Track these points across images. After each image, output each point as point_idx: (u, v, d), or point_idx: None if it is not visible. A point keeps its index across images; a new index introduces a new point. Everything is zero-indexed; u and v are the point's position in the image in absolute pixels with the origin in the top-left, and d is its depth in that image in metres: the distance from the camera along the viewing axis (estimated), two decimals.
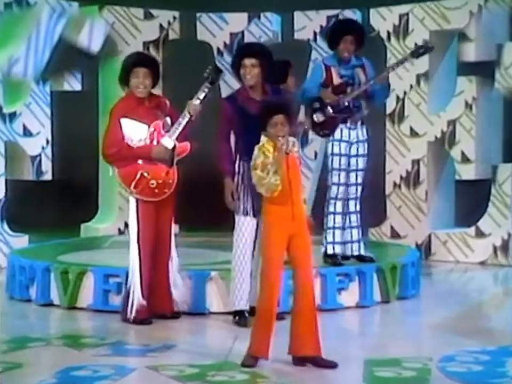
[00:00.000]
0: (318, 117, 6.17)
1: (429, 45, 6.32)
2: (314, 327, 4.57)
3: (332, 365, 4.57)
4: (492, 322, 5.85)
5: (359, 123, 6.22)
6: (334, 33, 6.24)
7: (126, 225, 8.17)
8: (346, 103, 6.13)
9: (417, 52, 6.17)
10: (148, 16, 8.20)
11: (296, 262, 4.60)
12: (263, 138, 4.57)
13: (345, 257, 6.34)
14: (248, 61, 5.45)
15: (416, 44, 6.39)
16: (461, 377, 4.44)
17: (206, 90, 5.49)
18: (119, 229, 8.28)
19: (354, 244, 6.33)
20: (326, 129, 6.20)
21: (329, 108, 6.14)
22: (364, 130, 6.27)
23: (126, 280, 5.62)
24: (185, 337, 5.35)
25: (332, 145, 6.18)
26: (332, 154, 6.19)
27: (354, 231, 6.33)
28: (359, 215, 6.33)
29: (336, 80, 6.17)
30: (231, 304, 5.63)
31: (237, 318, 5.60)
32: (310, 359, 4.60)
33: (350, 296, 6.06)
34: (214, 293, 5.85)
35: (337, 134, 6.18)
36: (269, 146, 4.52)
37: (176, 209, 5.69)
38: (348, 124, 6.19)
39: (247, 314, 5.57)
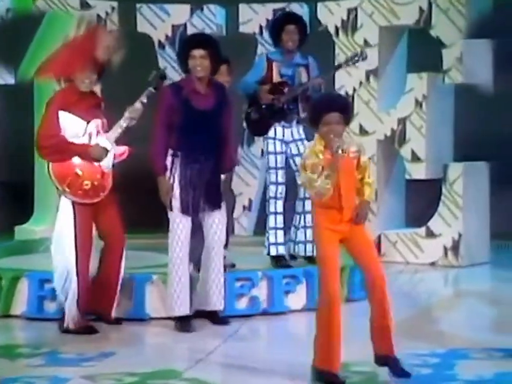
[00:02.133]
0: (253, 115, 6.08)
1: (364, 54, 6.27)
2: (390, 328, 4.35)
3: (406, 373, 4.34)
4: (442, 324, 5.83)
5: (294, 122, 6.18)
6: (275, 26, 6.21)
7: None
8: (280, 105, 6.08)
9: (353, 59, 6.17)
10: (85, 6, 8.02)
11: (359, 263, 4.38)
12: (316, 137, 4.32)
13: (292, 256, 6.19)
14: (197, 52, 5.33)
15: (358, 51, 6.38)
16: (409, 381, 4.37)
17: (149, 95, 5.39)
18: None
19: (308, 244, 6.22)
20: (260, 128, 6.13)
21: (263, 107, 6.10)
22: (300, 129, 6.21)
23: (63, 285, 5.41)
24: (124, 344, 5.21)
25: (267, 143, 6.16)
26: (268, 152, 6.16)
27: (309, 231, 6.22)
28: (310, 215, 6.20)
29: (276, 78, 6.13)
30: (169, 309, 5.48)
31: (178, 323, 5.44)
32: (384, 358, 4.39)
33: (297, 298, 5.96)
34: (155, 297, 5.70)
35: (271, 133, 6.16)
36: (320, 147, 4.28)
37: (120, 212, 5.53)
38: (282, 123, 6.15)
39: (189, 319, 5.43)
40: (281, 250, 6.16)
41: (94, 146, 5.33)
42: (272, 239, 6.13)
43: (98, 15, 7.96)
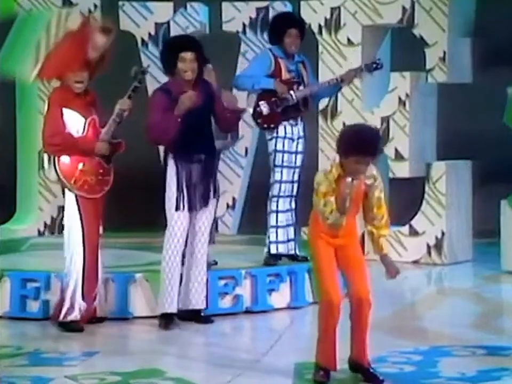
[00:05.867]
0: (263, 109, 6.04)
1: (381, 62, 6.31)
2: (364, 340, 4.38)
3: (379, 381, 4.35)
4: (425, 322, 5.85)
5: (299, 119, 6.19)
6: (279, 27, 6.18)
7: (46, 226, 7.89)
8: (296, 100, 6.07)
9: (372, 67, 6.21)
10: (67, 3, 7.97)
11: (344, 274, 4.40)
12: (335, 163, 4.27)
13: (287, 256, 6.19)
14: (187, 55, 5.35)
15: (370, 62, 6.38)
16: (392, 378, 4.40)
17: (135, 89, 5.42)
18: (39, 230, 7.99)
19: (290, 242, 6.20)
20: (270, 123, 6.10)
21: (278, 102, 6.07)
22: (302, 126, 6.23)
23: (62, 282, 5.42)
24: (107, 343, 5.20)
25: (276, 141, 6.11)
26: (276, 151, 6.11)
27: (291, 230, 6.19)
28: (294, 213, 6.21)
29: (285, 75, 6.11)
30: (160, 306, 5.47)
31: (164, 321, 5.44)
32: (359, 367, 4.41)
33: (281, 297, 5.96)
34: (139, 296, 5.68)
35: (281, 131, 6.12)
36: (336, 174, 4.23)
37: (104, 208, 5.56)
38: (291, 121, 6.14)
39: (175, 317, 5.44)
40: (281, 249, 6.13)
41: (100, 143, 5.38)
42: (273, 238, 6.10)
43: (80, 13, 7.93)
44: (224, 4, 8.10)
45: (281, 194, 6.10)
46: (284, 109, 6.09)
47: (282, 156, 6.09)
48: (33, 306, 5.64)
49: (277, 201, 6.12)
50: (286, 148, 6.11)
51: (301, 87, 6.13)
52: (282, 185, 6.10)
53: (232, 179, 8.11)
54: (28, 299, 5.66)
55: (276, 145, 6.08)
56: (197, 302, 5.49)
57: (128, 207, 7.71)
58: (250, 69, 6.15)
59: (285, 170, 6.10)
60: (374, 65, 6.21)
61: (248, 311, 5.82)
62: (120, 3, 8.10)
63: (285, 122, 6.11)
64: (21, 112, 7.83)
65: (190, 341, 5.21)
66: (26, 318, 5.60)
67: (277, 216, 6.12)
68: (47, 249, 6.01)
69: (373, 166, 4.29)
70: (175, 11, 8.08)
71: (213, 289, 5.68)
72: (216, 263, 5.97)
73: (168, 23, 8.03)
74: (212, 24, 8.10)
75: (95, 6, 7.97)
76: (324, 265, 4.33)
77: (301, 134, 6.20)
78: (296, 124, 6.16)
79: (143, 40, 8.09)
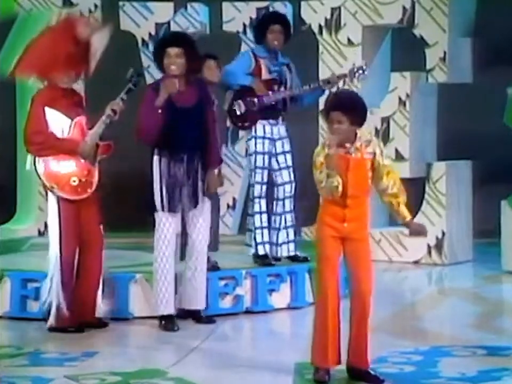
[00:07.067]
0: (239, 107, 6.02)
1: (365, 68, 6.32)
2: (365, 339, 4.34)
3: (379, 381, 4.33)
4: (425, 322, 5.86)
5: (280, 119, 6.17)
6: (261, 24, 6.21)
7: (46, 226, 7.87)
8: (273, 102, 6.05)
9: (355, 73, 6.19)
10: (67, 3, 7.98)
11: (350, 270, 4.35)
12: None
13: (276, 259, 6.18)
14: (172, 50, 5.32)
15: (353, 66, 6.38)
16: (392, 378, 4.40)
17: (129, 91, 5.41)
18: (39, 230, 8.00)
19: (291, 244, 6.24)
20: (245, 121, 6.08)
21: (253, 101, 6.04)
22: (284, 127, 6.21)
23: (49, 285, 5.40)
24: (107, 344, 5.20)
25: (255, 143, 6.10)
26: (256, 152, 6.10)
27: (291, 231, 6.25)
28: (293, 214, 6.23)
29: (265, 75, 6.11)
30: (155, 308, 5.47)
31: (163, 322, 5.44)
32: (357, 371, 4.38)
33: (281, 297, 5.96)
34: (139, 297, 5.69)
35: (260, 131, 6.10)
36: (327, 143, 4.28)
37: (100, 210, 5.51)
38: (270, 120, 6.12)
39: (174, 318, 5.43)
40: (267, 249, 6.16)
41: (84, 143, 5.34)
42: (259, 239, 6.11)
43: (81, 13, 7.93)
44: (224, 4, 8.11)
45: (263, 195, 6.11)
46: (261, 109, 6.06)
47: (263, 157, 6.07)
48: (34, 306, 5.64)
49: (259, 203, 6.12)
50: (265, 149, 6.09)
51: (282, 89, 6.12)
52: (263, 186, 6.10)
53: (232, 179, 8.11)
54: (28, 299, 5.67)
55: (256, 146, 6.07)
56: (200, 302, 5.50)
57: (127, 207, 7.71)
58: (232, 66, 6.13)
59: (265, 172, 6.09)
60: (359, 71, 6.19)
61: (248, 311, 5.82)
62: (121, 3, 8.10)
63: (264, 122, 6.08)
64: (21, 112, 7.82)
65: (191, 341, 5.19)
66: (27, 318, 5.60)
67: (261, 217, 6.12)
68: (47, 249, 5.98)
69: (368, 133, 4.34)
70: (175, 11, 8.09)
71: (213, 289, 5.68)
72: (217, 264, 5.94)
73: (168, 23, 8.04)
74: (212, 24, 8.11)
75: (95, 6, 7.97)
76: (325, 259, 4.29)
77: (283, 134, 6.16)
78: (277, 124, 6.14)
79: (143, 40, 8.09)
